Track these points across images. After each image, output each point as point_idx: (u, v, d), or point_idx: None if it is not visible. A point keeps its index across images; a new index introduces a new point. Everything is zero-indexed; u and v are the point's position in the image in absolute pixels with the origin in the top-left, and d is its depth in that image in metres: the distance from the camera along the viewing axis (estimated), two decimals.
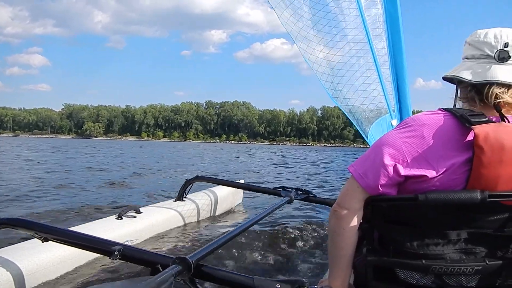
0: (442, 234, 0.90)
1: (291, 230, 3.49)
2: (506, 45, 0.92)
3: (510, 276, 0.91)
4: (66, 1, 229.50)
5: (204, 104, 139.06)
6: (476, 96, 0.95)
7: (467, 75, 0.95)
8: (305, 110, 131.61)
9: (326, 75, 2.87)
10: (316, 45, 2.84)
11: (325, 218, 4.00)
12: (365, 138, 2.99)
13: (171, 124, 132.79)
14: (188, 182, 3.61)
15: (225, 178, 6.32)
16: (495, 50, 0.92)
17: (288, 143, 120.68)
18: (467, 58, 0.98)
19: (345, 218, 0.97)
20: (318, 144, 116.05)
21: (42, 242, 1.59)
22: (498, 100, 0.90)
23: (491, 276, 0.90)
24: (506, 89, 0.91)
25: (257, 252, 2.88)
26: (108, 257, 1.41)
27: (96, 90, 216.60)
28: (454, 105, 1.03)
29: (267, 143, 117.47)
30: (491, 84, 0.91)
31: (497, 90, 0.91)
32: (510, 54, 0.92)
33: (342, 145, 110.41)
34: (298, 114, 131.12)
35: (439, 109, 0.95)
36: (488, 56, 0.93)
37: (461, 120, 0.88)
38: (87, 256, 2.23)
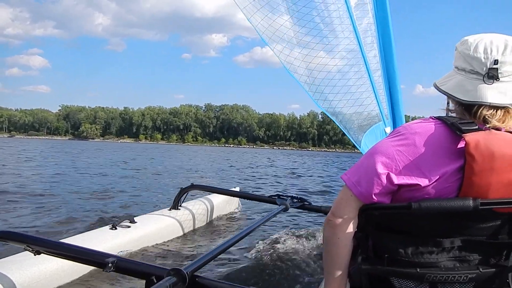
0: (436, 242, 0.90)
1: (286, 239, 3.49)
2: (495, 62, 0.89)
3: (503, 283, 0.91)
4: (66, 3, 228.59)
5: (203, 107, 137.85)
6: (466, 112, 0.95)
7: (457, 93, 0.94)
8: (305, 114, 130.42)
9: (316, 85, 2.86)
10: (305, 56, 2.83)
11: (321, 226, 3.99)
12: (358, 146, 2.99)
13: (170, 126, 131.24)
14: (183, 191, 3.60)
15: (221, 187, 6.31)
16: (485, 68, 0.90)
17: (288, 147, 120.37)
18: (458, 69, 0.97)
19: (340, 227, 0.97)
20: (319, 149, 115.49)
21: (34, 255, 1.58)
22: (488, 125, 0.90)
23: (485, 283, 0.90)
24: (495, 111, 0.90)
25: (253, 262, 2.87)
26: (102, 269, 1.41)
27: (95, 93, 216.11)
28: (447, 113, 1.03)
29: (266, 147, 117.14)
30: (480, 105, 0.91)
31: (485, 112, 0.90)
32: (499, 72, 0.89)
33: (342, 150, 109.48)
34: (298, 118, 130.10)
35: (431, 117, 0.95)
36: (477, 73, 0.91)
37: (452, 128, 0.88)
38: (81, 268, 2.22)
